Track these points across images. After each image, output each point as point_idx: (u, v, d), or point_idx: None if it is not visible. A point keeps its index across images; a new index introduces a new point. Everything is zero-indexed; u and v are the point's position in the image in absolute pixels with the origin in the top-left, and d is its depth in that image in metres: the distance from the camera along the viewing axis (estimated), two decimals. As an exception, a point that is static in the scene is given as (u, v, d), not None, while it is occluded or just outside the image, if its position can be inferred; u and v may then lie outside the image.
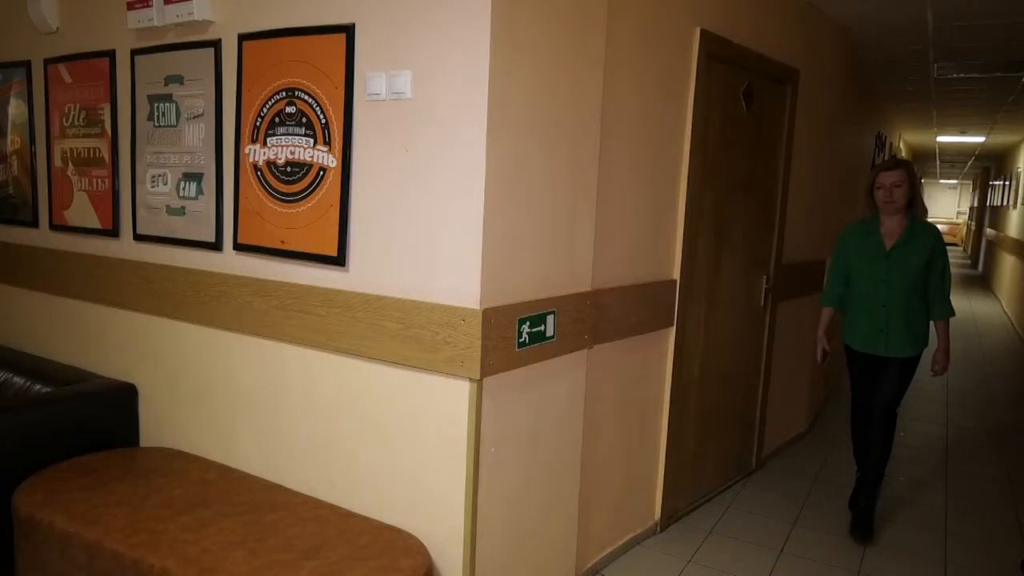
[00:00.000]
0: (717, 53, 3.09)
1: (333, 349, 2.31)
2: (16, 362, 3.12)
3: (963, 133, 10.43)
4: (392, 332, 2.16)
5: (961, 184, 24.98)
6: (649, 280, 2.91)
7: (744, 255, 3.63)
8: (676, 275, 3.07)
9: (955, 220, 25.67)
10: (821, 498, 3.73)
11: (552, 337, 2.28)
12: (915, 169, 3.13)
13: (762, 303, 3.83)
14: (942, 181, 24.44)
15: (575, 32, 2.26)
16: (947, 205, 26.04)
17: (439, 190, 2.05)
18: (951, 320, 3.24)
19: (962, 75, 5.92)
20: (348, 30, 2.19)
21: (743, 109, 3.42)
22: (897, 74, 6.18)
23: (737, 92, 3.37)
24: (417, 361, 2.12)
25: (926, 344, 3.23)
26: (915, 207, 3.19)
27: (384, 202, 2.17)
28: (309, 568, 1.92)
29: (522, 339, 2.15)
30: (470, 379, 2.03)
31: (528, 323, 2.16)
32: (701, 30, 2.98)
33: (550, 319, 2.26)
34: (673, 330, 3.08)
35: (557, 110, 2.22)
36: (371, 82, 2.15)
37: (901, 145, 11.01)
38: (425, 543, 2.12)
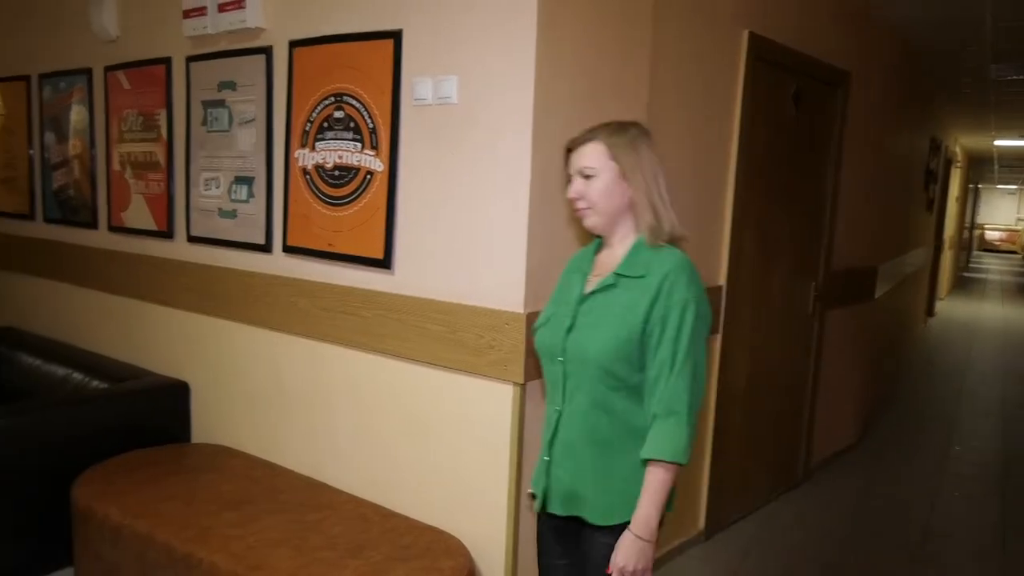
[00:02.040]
0: (765, 56, 3.05)
1: (377, 350, 2.34)
2: (76, 358, 3.23)
3: (1023, 137, 10.07)
4: (436, 335, 2.17)
5: (1020, 190, 24.10)
6: (694, 286, 2.87)
7: (792, 261, 3.56)
8: (722, 281, 3.02)
9: (1015, 227, 24.77)
10: (869, 512, 3.63)
11: (595, 342, 2.26)
12: (638, 141, 1.58)
13: (810, 310, 3.75)
14: (1000, 186, 23.60)
15: (620, 37, 2.25)
16: (1006, 211, 25.15)
17: (484, 194, 2.07)
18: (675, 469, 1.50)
19: (1022, 77, 5.72)
20: (396, 36, 2.22)
21: (792, 112, 3.36)
22: (952, 76, 6.00)
23: (786, 95, 3.31)
24: (461, 364, 2.13)
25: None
26: (639, 219, 1.59)
27: (429, 206, 2.19)
28: (353, 567, 1.94)
29: (565, 343, 2.13)
30: (514, 383, 2.03)
31: (571, 327, 2.14)
32: (749, 33, 2.93)
33: (593, 324, 2.24)
34: (719, 337, 3.04)
35: (602, 114, 2.21)
36: (418, 87, 2.18)
37: (957, 149, 10.69)
38: (467, 544, 2.12)
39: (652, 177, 1.57)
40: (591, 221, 1.61)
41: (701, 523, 3.17)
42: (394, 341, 2.28)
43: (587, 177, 1.58)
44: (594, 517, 1.57)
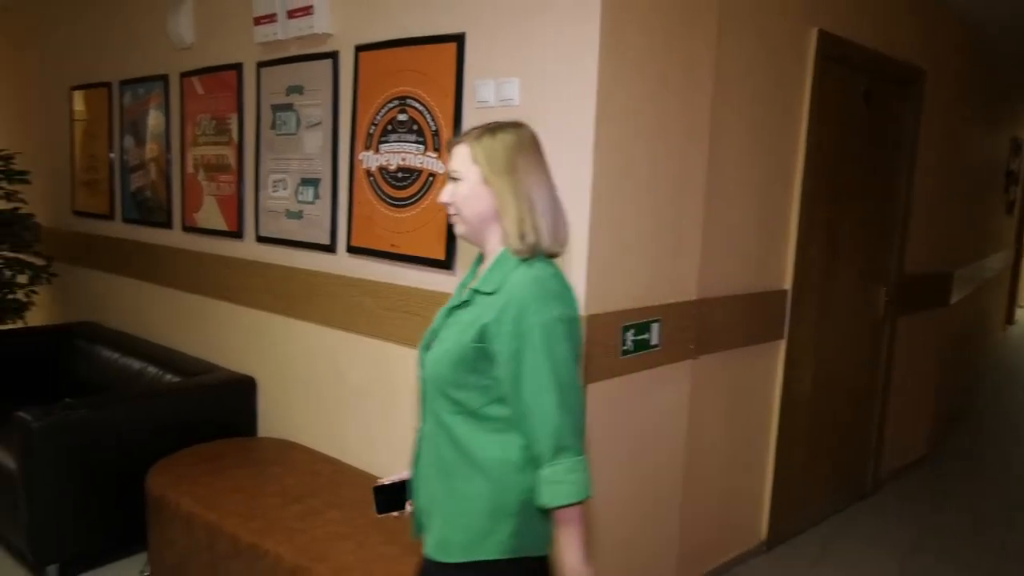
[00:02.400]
0: (835, 54, 2.96)
1: (438, 350, 2.36)
2: (151, 353, 3.37)
3: (1114, 135, 9.49)
4: (496, 335, 2.18)
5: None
6: (758, 290, 2.81)
7: (862, 266, 3.44)
8: (787, 285, 2.95)
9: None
10: (940, 527, 3.48)
11: (657, 346, 2.24)
12: (509, 144, 1.41)
13: (881, 316, 3.62)
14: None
15: (684, 38, 2.22)
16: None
17: (545, 195, 2.06)
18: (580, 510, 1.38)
19: (1115, 72, 5.39)
20: (459, 39, 2.24)
21: (862, 113, 3.25)
22: (1037, 72, 5.71)
23: (856, 95, 3.20)
24: (520, 365, 2.13)
25: (481, 550, 1.38)
26: (504, 229, 1.39)
27: (491, 207, 2.20)
28: (413, 563, 1.96)
29: (626, 347, 2.12)
30: (573, 385, 2.02)
31: (632, 331, 2.14)
32: (819, 31, 2.86)
33: (655, 327, 2.23)
34: (783, 342, 2.96)
35: (665, 116, 2.19)
36: (480, 89, 2.19)
37: (1040, 149, 10.14)
38: (524, 546, 2.12)
39: (521, 183, 1.38)
40: (459, 229, 1.46)
41: (763, 533, 3.09)
42: (454, 341, 2.30)
43: (455, 180, 1.43)
44: (432, 549, 1.43)
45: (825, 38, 2.88)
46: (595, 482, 2.11)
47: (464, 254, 2.28)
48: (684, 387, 2.43)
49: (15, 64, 4.69)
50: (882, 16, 3.28)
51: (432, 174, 2.33)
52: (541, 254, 1.38)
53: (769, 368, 2.96)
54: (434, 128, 2.32)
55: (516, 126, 1.45)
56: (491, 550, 1.37)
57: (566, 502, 1.33)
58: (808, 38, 2.85)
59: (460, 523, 1.40)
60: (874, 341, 3.63)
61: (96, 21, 3.86)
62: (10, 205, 4.13)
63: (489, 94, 2.17)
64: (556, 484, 1.32)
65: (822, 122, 2.96)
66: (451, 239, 2.29)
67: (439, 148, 2.30)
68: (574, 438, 1.33)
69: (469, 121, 2.23)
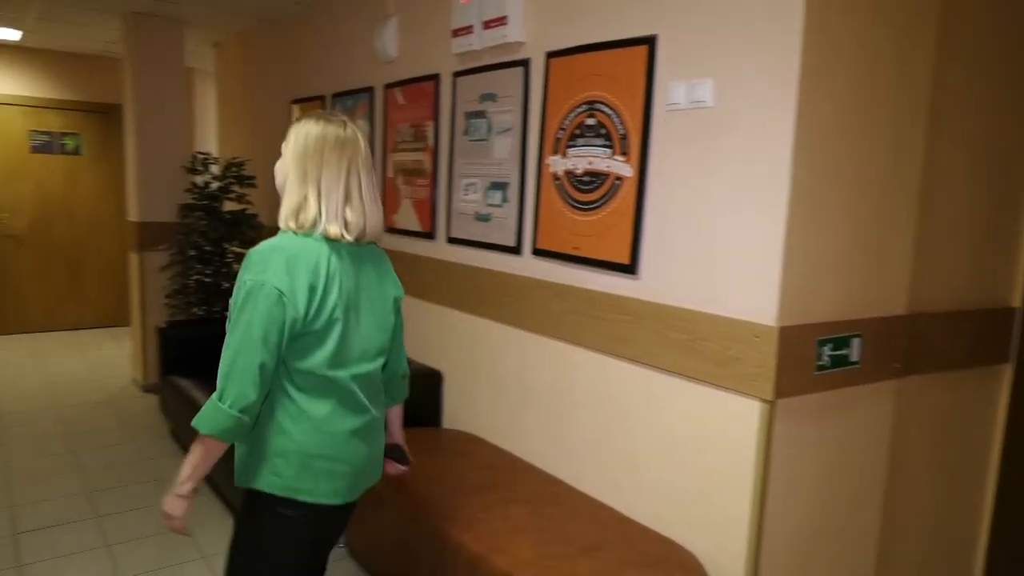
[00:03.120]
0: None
1: (620, 355, 2.36)
2: (350, 343, 3.66)
3: None
4: (680, 343, 2.14)
5: None
6: (980, 306, 2.51)
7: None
8: (1017, 302, 2.61)
9: None
10: None
11: (856, 363, 2.08)
12: (310, 129, 1.61)
13: None
14: None
15: (899, 27, 2.03)
16: None
17: (738, 200, 1.99)
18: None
19: None
20: (650, 41, 2.22)
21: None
22: None
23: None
24: (704, 375, 2.07)
25: (255, 477, 1.62)
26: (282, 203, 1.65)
27: (678, 211, 2.16)
28: (586, 566, 1.98)
29: (822, 362, 1.99)
30: (761, 399, 1.93)
31: (829, 345, 2.00)
32: (1067, 11, 2.49)
33: (855, 343, 2.06)
34: (1009, 367, 2.62)
35: (874, 112, 2.02)
36: (671, 91, 2.15)
37: None
38: (703, 562, 2.06)
39: (302, 167, 1.60)
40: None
41: (976, 579, 2.76)
42: (636, 347, 2.28)
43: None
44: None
45: (1075, 20, 2.51)
46: (782, 504, 2.00)
47: (650, 258, 2.25)
48: (886, 409, 2.23)
49: (245, 83, 5.32)
50: None
51: (619, 177, 2.33)
52: (312, 232, 1.59)
53: (990, 395, 2.63)
54: (622, 132, 2.31)
55: (330, 121, 1.63)
56: (245, 477, 1.64)
57: (194, 425, 1.53)
58: (1053, 21, 2.50)
59: (244, 460, 1.66)
60: None
61: (314, 42, 4.27)
62: (239, 206, 4.69)
63: (680, 96, 2.13)
64: (200, 411, 1.53)
65: (1068, 117, 2.58)
66: (636, 243, 2.28)
67: (627, 152, 2.29)
68: (229, 386, 1.51)
69: (658, 124, 2.20)
